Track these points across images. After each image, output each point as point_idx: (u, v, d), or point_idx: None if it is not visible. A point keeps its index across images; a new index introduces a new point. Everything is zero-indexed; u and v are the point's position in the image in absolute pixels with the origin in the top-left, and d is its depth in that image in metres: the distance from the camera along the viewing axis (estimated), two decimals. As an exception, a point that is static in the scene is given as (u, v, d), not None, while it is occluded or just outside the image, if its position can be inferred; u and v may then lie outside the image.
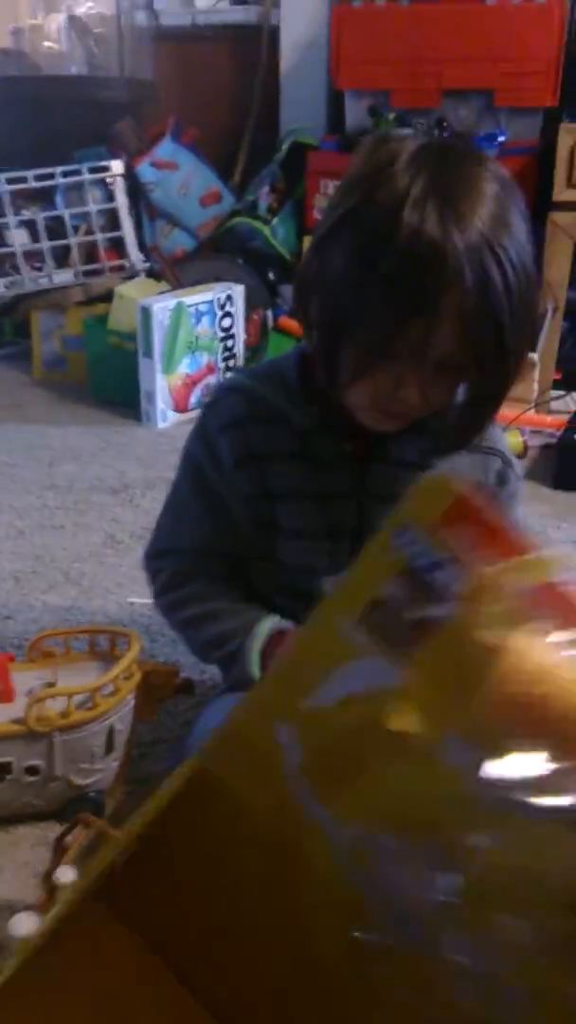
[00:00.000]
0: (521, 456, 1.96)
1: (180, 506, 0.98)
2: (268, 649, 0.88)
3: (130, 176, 2.67)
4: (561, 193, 2.18)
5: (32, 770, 0.91)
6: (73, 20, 3.26)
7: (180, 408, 2.25)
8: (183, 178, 2.73)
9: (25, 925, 0.71)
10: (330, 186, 2.53)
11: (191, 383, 2.26)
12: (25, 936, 0.71)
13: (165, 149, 2.74)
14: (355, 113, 2.57)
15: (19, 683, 0.96)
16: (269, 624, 0.90)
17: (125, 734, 0.96)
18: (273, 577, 0.95)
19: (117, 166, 2.61)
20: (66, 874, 0.78)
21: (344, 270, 0.75)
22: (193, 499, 0.95)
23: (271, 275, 2.56)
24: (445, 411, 0.83)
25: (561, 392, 2.29)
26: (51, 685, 0.96)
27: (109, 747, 0.94)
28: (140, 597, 1.39)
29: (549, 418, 2.13)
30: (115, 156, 2.65)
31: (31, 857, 0.92)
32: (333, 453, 0.88)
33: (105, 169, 2.59)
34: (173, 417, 2.23)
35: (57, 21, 3.29)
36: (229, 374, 2.02)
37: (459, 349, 0.75)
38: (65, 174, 2.56)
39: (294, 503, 0.90)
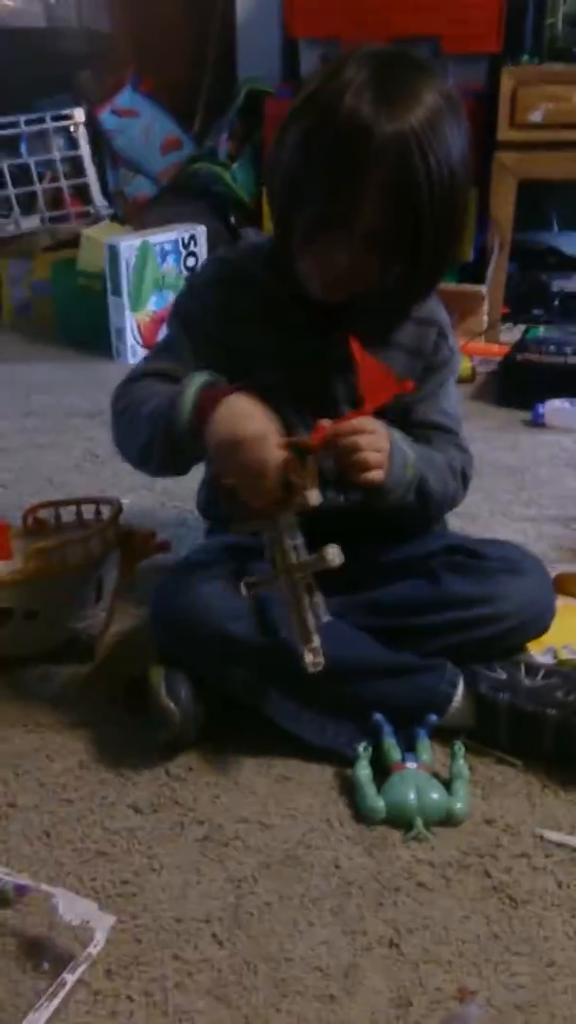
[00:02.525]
0: (470, 381, 2.11)
1: (168, 343, 1.05)
2: (202, 399, 0.91)
3: (92, 124, 2.75)
4: (505, 133, 2.31)
5: (31, 614, 1.04)
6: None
7: (148, 344, 2.36)
8: (144, 126, 2.83)
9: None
10: (287, 133, 2.65)
11: (159, 320, 2.37)
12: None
13: (125, 98, 2.83)
14: (309, 61, 2.67)
15: (15, 547, 1.09)
16: (201, 377, 0.93)
17: (112, 585, 1.09)
18: None
19: (79, 114, 2.70)
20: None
21: (296, 147, 0.89)
22: (184, 336, 1.03)
23: (232, 218, 2.67)
24: (376, 286, 0.96)
25: (509, 324, 2.43)
26: (45, 547, 1.09)
27: (98, 596, 1.07)
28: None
29: (496, 347, 2.28)
30: (77, 105, 2.74)
31: (35, 689, 1.05)
32: (299, 321, 1.01)
33: (67, 117, 2.68)
34: (143, 353, 2.34)
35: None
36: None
37: (381, 225, 0.88)
38: (28, 122, 2.65)
39: (262, 363, 1.01)
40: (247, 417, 0.87)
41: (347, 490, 0.99)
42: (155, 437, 0.94)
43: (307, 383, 1.02)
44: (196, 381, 0.92)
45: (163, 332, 1.09)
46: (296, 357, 1.01)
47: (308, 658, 0.88)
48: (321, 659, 0.88)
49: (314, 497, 0.86)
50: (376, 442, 0.91)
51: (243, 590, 0.91)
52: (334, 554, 0.86)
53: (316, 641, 0.88)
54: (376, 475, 0.92)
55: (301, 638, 0.88)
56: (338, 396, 1.01)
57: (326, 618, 0.89)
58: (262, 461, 0.85)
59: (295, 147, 0.89)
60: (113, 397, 1.03)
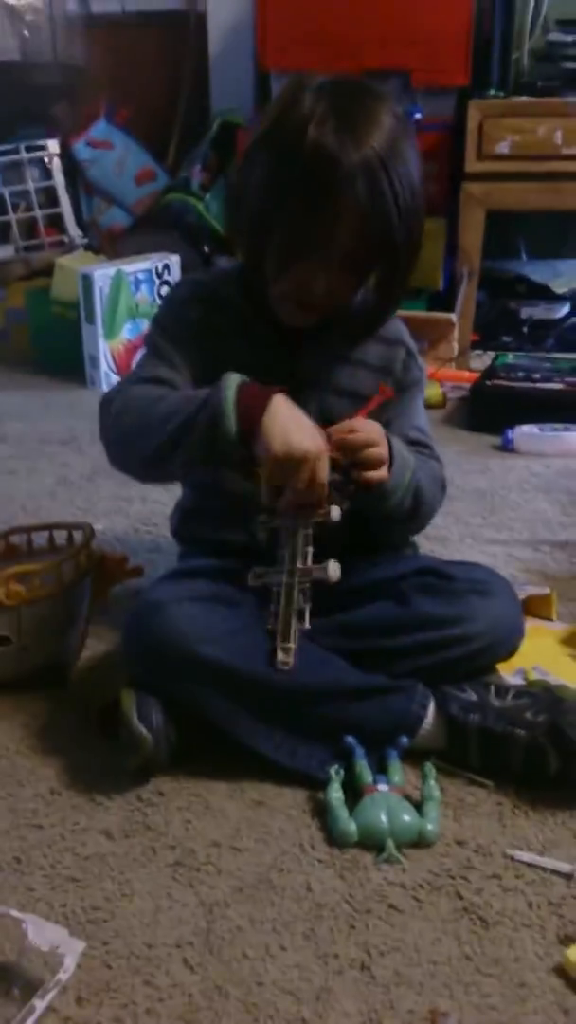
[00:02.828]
0: (441, 406, 2.14)
1: (156, 352, 1.04)
2: (244, 399, 0.91)
3: (67, 155, 2.78)
4: (472, 165, 2.36)
5: (2, 640, 1.04)
6: (4, 8, 3.33)
7: (123, 372, 2.37)
8: (118, 157, 2.86)
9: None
10: (259, 164, 2.68)
11: (132, 348, 2.39)
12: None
13: (100, 129, 2.87)
14: (281, 94, 2.71)
15: (-12, 573, 1.09)
16: (237, 376, 0.93)
17: (84, 611, 1.09)
18: None
19: (53, 145, 2.73)
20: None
21: (261, 181, 0.91)
22: (169, 346, 1.03)
23: (205, 248, 2.70)
24: (348, 307, 0.99)
25: (479, 351, 2.46)
26: (17, 573, 1.09)
27: (70, 621, 1.07)
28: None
29: (466, 373, 2.31)
30: (52, 136, 2.77)
31: (6, 715, 1.05)
32: (271, 341, 1.03)
33: (42, 148, 2.71)
34: (116, 380, 2.35)
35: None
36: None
37: (354, 249, 0.91)
38: (3, 153, 2.67)
39: None
40: (304, 431, 0.90)
41: (351, 494, 1.00)
42: (187, 435, 0.92)
43: None
44: (233, 380, 0.92)
45: (144, 349, 1.08)
46: (269, 375, 1.02)
47: (280, 656, 0.94)
48: (291, 660, 0.94)
49: (336, 513, 0.93)
50: (378, 437, 0.96)
51: (251, 579, 0.97)
52: (335, 569, 0.93)
53: (292, 643, 0.94)
54: (383, 473, 0.96)
55: (281, 636, 0.94)
56: (309, 412, 1.03)
57: (306, 626, 0.96)
58: (317, 477, 0.91)
59: (262, 180, 0.92)
60: (104, 400, 1.03)
